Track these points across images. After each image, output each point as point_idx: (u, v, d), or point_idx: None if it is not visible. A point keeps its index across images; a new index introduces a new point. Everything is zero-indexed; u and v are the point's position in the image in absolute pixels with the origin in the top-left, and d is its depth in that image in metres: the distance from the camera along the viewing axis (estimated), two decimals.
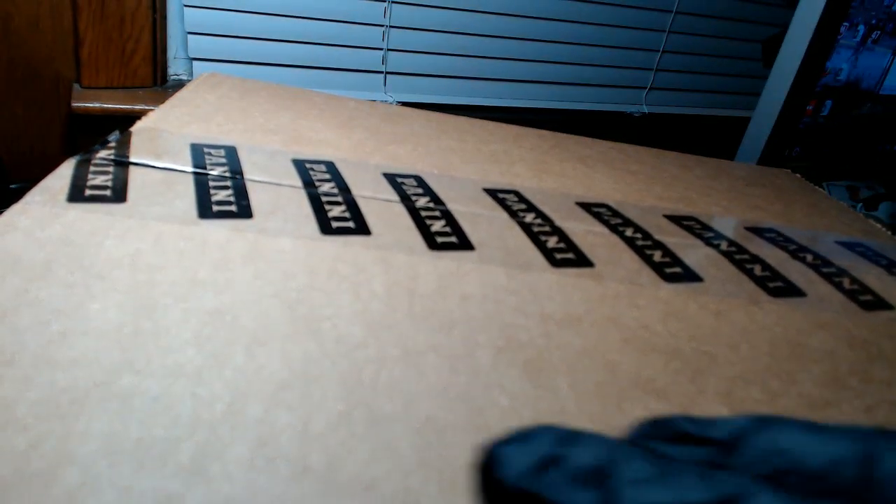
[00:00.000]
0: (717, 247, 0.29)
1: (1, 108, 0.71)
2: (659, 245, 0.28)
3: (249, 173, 0.27)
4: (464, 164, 0.33)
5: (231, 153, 0.28)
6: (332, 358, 0.18)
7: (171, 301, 0.19)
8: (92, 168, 0.24)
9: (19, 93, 0.71)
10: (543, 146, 0.39)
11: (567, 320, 0.21)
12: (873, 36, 0.87)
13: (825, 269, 0.30)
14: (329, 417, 0.16)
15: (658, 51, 1.01)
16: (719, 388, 0.20)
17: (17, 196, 0.70)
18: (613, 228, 0.29)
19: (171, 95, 0.35)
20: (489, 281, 0.23)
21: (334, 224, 0.24)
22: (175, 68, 0.76)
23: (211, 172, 0.26)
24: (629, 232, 0.29)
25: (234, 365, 0.17)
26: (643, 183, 0.36)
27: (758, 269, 0.28)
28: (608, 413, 0.17)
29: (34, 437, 0.14)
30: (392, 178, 0.29)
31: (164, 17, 0.73)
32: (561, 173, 0.35)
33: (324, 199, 0.26)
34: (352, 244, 0.23)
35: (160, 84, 0.74)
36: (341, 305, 0.20)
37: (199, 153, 0.28)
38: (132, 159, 0.26)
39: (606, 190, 0.34)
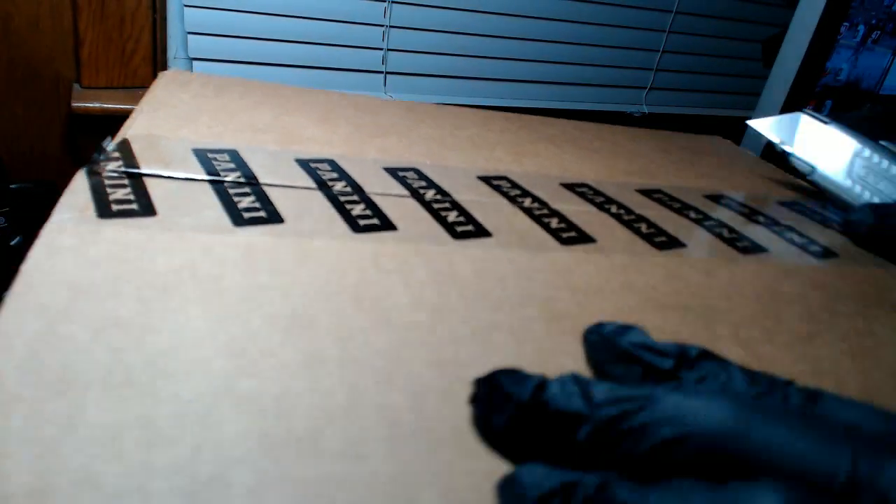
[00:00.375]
0: (686, 216, 0.34)
1: (1, 108, 0.71)
2: (642, 218, 0.32)
3: (263, 177, 0.27)
4: (449, 151, 0.36)
5: (235, 157, 0.29)
6: (412, 344, 0.19)
7: (247, 308, 0.19)
8: (107, 182, 0.24)
9: (19, 93, 0.71)
10: (512, 128, 0.43)
11: (591, 290, 0.24)
12: (873, 36, 0.87)
13: (776, 228, 0.35)
14: (438, 395, 0.18)
15: (658, 51, 1.01)
16: (728, 332, 0.24)
17: (17, 196, 0.69)
18: (600, 206, 0.32)
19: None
20: (515, 262, 0.25)
21: (361, 222, 0.25)
22: (175, 68, 0.75)
23: (226, 179, 0.27)
24: (613, 209, 0.32)
25: (333, 359, 0.18)
26: (608, 159, 0.40)
27: (726, 233, 0.33)
28: None
29: (190, 446, 0.14)
30: (394, 173, 0.31)
31: (164, 18, 0.73)
32: (536, 154, 0.38)
33: (342, 199, 0.27)
34: (384, 240, 0.25)
35: None
36: (399, 296, 0.21)
37: (204, 159, 0.28)
38: (143, 170, 0.26)
39: (581, 169, 0.37)
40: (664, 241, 0.30)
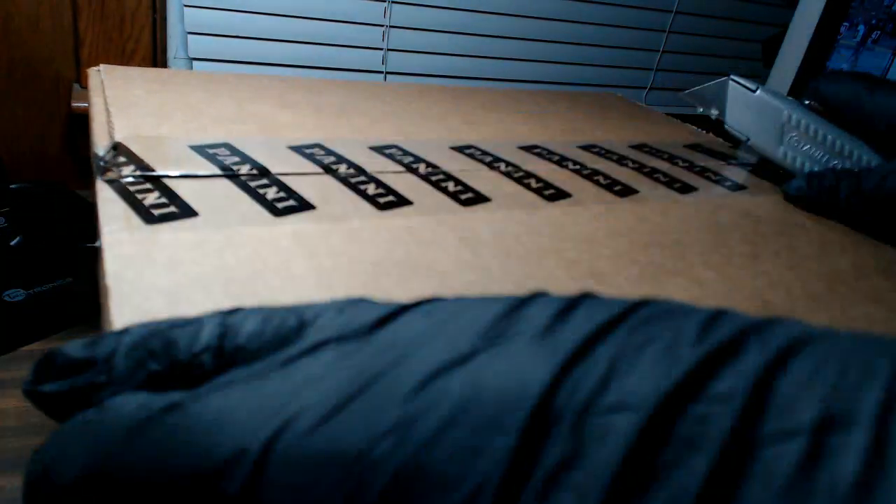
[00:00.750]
0: (626, 165, 0.38)
1: (1, 108, 0.71)
2: (597, 172, 0.36)
3: (273, 167, 0.29)
4: (411, 126, 0.38)
5: (233, 150, 0.30)
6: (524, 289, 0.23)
7: (326, 289, 0.21)
8: (131, 188, 0.25)
9: (19, 93, 0.71)
10: (446, 98, 0.46)
11: (588, 238, 0.29)
12: (873, 36, 0.87)
13: (696, 169, 0.41)
14: None
15: (658, 51, 1.01)
16: (698, 260, 0.29)
17: (17, 196, 0.69)
18: (559, 164, 0.36)
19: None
20: (520, 222, 0.29)
21: (380, 201, 0.27)
22: (175, 68, 0.76)
23: (241, 173, 0.28)
24: (570, 165, 0.37)
25: None
26: (541, 120, 0.45)
27: (661, 177, 0.38)
28: (658, 282, 0.27)
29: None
30: (380, 151, 0.33)
31: (164, 18, 0.73)
32: (483, 122, 0.42)
33: (352, 181, 0.29)
34: (407, 214, 0.27)
35: None
36: (444, 262, 0.24)
37: (206, 154, 0.29)
38: (160, 172, 0.26)
39: (526, 132, 0.42)
40: (621, 190, 0.35)
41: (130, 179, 0.25)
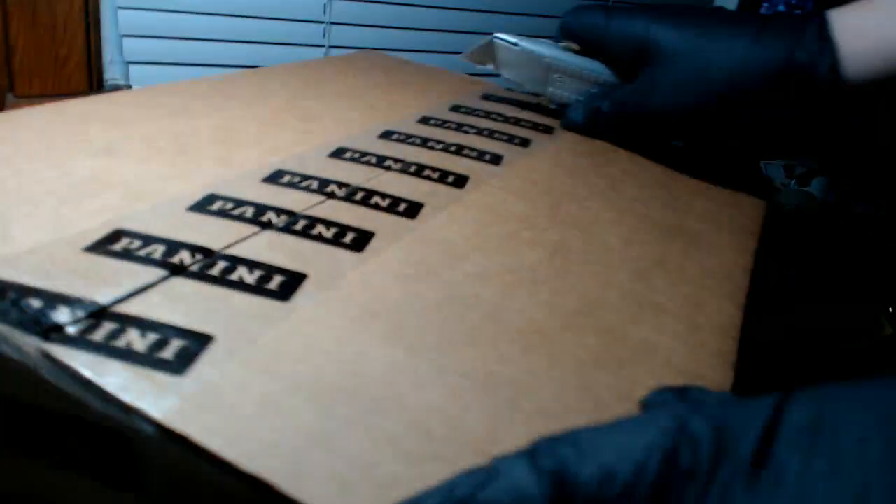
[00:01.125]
0: (468, 132, 0.38)
1: None
2: (460, 146, 0.36)
3: (209, 244, 0.23)
4: (268, 139, 0.33)
5: (140, 237, 0.23)
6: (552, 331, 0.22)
7: (415, 356, 0.20)
8: (92, 336, 0.18)
9: None
10: (251, 90, 0.41)
11: (522, 217, 0.30)
12: None
13: (511, 121, 0.41)
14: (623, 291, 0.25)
15: None
16: (625, 206, 0.32)
17: None
18: (425, 146, 0.35)
19: None
20: (474, 218, 0.29)
21: (345, 241, 0.25)
22: (111, 72, 0.75)
23: (185, 265, 0.22)
24: (435, 146, 0.36)
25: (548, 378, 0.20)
26: (362, 100, 0.42)
27: (503, 137, 0.38)
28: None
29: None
30: (276, 181, 0.29)
31: (98, 21, 0.72)
32: (310, 115, 0.38)
33: (296, 228, 0.25)
34: (384, 248, 0.25)
35: (96, 89, 0.74)
36: (479, 298, 0.24)
37: (117, 254, 0.22)
38: (103, 301, 0.19)
39: (360, 117, 0.39)
40: (491, 158, 0.35)
41: (78, 327, 0.18)
